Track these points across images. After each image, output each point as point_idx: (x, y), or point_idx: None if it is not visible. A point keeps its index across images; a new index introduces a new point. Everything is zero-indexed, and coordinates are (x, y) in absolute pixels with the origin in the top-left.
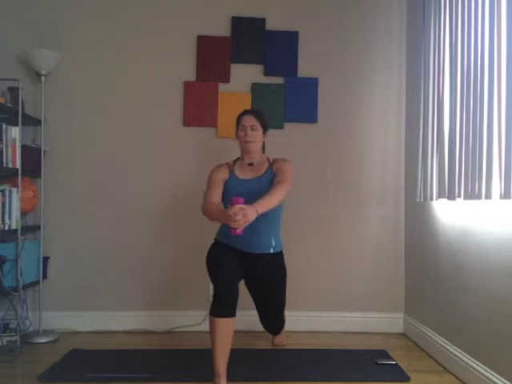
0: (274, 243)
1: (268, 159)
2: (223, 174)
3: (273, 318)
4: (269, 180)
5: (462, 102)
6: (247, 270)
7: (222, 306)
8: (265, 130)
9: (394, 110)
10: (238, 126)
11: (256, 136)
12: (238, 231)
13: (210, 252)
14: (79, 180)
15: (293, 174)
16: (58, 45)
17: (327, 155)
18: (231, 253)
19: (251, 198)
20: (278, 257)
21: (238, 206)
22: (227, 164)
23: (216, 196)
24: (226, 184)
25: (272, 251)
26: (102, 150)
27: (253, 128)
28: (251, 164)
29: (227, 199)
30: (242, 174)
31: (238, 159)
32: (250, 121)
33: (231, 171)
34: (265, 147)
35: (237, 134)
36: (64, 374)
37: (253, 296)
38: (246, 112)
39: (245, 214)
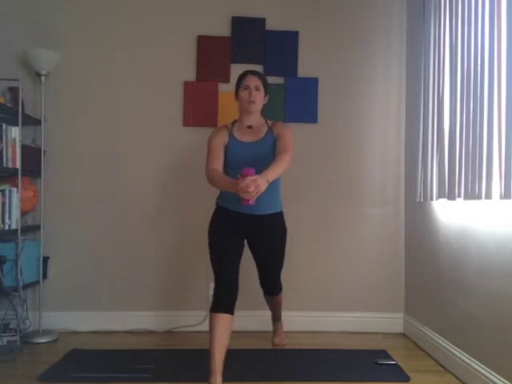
0: (273, 205)
1: (267, 122)
2: (223, 138)
3: (271, 278)
4: (269, 144)
5: (462, 102)
6: (249, 230)
7: (222, 302)
8: (266, 92)
9: (394, 110)
10: (241, 85)
11: (259, 97)
12: (250, 202)
13: (211, 226)
14: (79, 180)
15: (293, 140)
16: (57, 45)
17: (327, 155)
18: (232, 224)
19: (253, 161)
20: (278, 216)
21: (250, 178)
22: (225, 126)
23: (218, 162)
24: (227, 147)
25: (271, 212)
26: (102, 149)
27: (257, 88)
28: (250, 127)
29: (230, 163)
30: (242, 136)
31: (235, 121)
32: (254, 81)
33: (230, 134)
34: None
35: (237, 94)
36: (64, 374)
37: (254, 255)
38: (249, 72)
39: (257, 185)
